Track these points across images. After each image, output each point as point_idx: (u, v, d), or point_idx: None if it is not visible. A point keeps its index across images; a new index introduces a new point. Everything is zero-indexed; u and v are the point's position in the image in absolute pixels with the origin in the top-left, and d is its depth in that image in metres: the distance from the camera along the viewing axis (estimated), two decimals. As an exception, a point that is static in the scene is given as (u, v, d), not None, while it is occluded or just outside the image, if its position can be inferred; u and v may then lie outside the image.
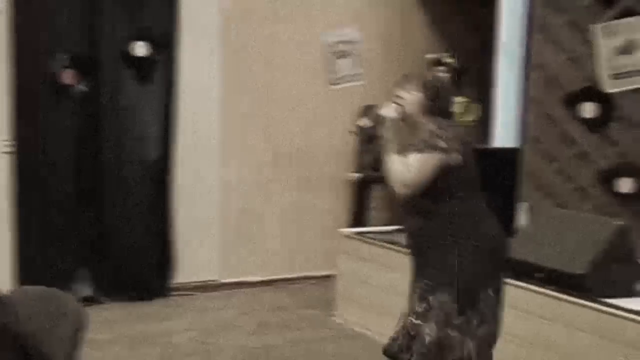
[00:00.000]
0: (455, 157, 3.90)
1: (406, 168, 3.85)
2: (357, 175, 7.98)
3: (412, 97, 4.02)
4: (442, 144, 3.81)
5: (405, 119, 4.11)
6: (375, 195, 8.05)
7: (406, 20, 8.81)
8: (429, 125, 3.88)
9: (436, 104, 4.04)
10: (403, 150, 3.97)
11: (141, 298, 7.42)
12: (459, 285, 3.98)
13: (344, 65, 7.80)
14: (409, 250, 4.32)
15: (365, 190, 7.86)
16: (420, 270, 4.21)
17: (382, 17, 8.57)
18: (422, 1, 8.93)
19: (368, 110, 8.01)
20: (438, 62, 8.22)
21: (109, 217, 7.42)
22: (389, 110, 4.06)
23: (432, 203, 3.95)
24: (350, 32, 7.75)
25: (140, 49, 7.32)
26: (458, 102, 8.13)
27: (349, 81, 7.82)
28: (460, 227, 3.96)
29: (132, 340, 6.42)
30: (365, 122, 8.05)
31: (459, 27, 8.79)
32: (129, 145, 7.39)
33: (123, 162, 7.39)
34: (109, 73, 7.25)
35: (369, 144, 7.78)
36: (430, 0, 9.04)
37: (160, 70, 7.44)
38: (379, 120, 4.16)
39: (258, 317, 7.15)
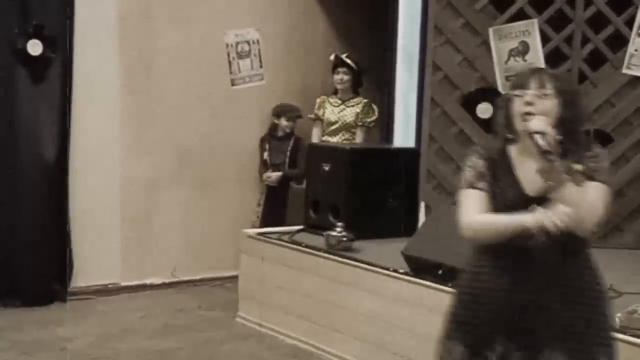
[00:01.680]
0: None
1: (597, 202, 3.05)
2: (275, 175, 7.91)
3: (551, 105, 3.08)
4: (609, 175, 3.15)
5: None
6: (292, 194, 7.99)
7: (307, 21, 8.68)
8: (599, 149, 3.16)
9: (575, 115, 3.14)
10: (570, 174, 3.04)
11: (37, 303, 7.18)
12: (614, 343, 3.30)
13: (244, 66, 7.69)
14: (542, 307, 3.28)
15: (282, 190, 7.82)
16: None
17: (283, 17, 8.44)
18: (323, 3, 8.62)
19: (281, 110, 7.97)
20: (339, 62, 7.91)
21: (1, 219, 7.20)
22: (541, 124, 3.02)
23: (581, 246, 3.18)
24: (250, 32, 7.64)
25: (34, 47, 7.10)
26: (359, 103, 8.09)
27: (249, 81, 7.72)
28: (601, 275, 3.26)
29: (26, 347, 6.25)
30: (279, 121, 8.02)
31: (359, 29, 8.66)
32: (23, 146, 7.22)
33: (17, 162, 7.22)
34: (1, 71, 7.08)
35: (282, 143, 7.73)
36: (331, 2, 8.63)
37: (55, 68, 7.21)
38: (535, 140, 2.99)
39: (160, 320, 7.01)
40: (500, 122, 3.20)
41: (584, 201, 2.93)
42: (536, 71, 3.27)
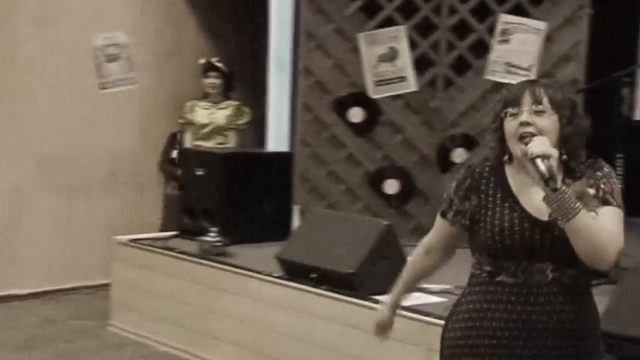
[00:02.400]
0: None
1: (616, 228, 2.67)
2: (176, 192, 7.83)
3: (550, 123, 2.69)
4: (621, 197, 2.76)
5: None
6: (168, 199, 8.04)
7: (178, 26, 8.60)
8: (610, 170, 2.78)
9: (577, 130, 2.73)
10: (582, 199, 2.66)
11: None
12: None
13: (113, 69, 7.48)
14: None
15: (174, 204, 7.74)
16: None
17: (153, 21, 8.35)
18: (194, 8, 8.58)
19: (173, 140, 8.06)
20: (209, 67, 7.92)
21: None
22: (543, 146, 2.61)
23: (587, 279, 2.81)
24: (119, 36, 7.45)
25: None
26: (230, 106, 8.08)
27: (119, 85, 7.51)
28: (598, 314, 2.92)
29: None
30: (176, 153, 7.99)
31: (231, 34, 8.67)
32: None
33: None
34: None
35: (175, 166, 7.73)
36: (202, 6, 8.62)
37: None
38: (537, 166, 2.60)
39: (26, 332, 6.83)
40: (493, 145, 2.79)
41: (602, 230, 2.59)
42: (528, 84, 2.83)
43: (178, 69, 8.52)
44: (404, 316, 4.94)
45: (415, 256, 3.19)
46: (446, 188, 2.93)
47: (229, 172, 7.05)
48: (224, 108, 7.98)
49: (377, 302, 4.97)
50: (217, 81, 7.94)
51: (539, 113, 2.65)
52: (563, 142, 2.68)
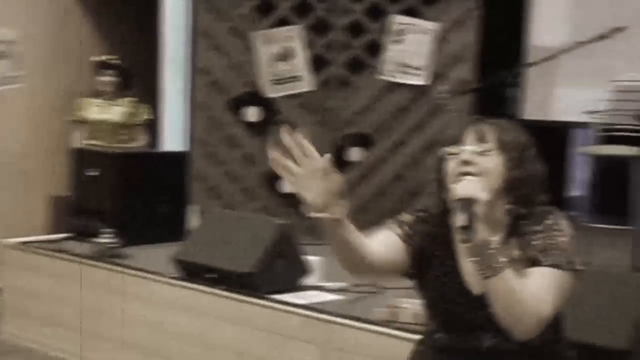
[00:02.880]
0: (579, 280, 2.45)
1: (541, 294, 2.31)
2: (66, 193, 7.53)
3: (493, 164, 2.42)
4: (577, 258, 2.40)
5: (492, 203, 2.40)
6: None
7: (70, 24, 8.28)
8: (559, 220, 2.44)
9: (526, 175, 2.46)
10: (515, 261, 2.38)
11: None
12: None
13: (0, 67, 7.38)
14: None
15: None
16: None
17: (44, 19, 8.12)
18: (87, 6, 8.40)
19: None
20: (104, 65, 7.75)
21: None
22: (472, 188, 2.33)
23: (549, 344, 2.50)
24: (7, 33, 7.32)
25: None
26: (127, 102, 7.94)
27: (6, 83, 7.39)
28: None
29: None
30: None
31: (126, 33, 8.51)
32: None
33: None
34: None
35: None
36: (95, 5, 8.43)
37: None
38: (456, 206, 2.32)
39: None
40: (435, 191, 2.53)
41: (523, 295, 2.27)
42: (474, 122, 2.53)
43: (71, 67, 8.28)
44: (301, 314, 5.08)
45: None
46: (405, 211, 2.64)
47: (123, 172, 6.97)
48: (120, 105, 7.87)
49: (275, 301, 5.10)
50: (112, 79, 7.85)
51: (482, 153, 2.39)
52: (510, 188, 2.41)
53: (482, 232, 2.25)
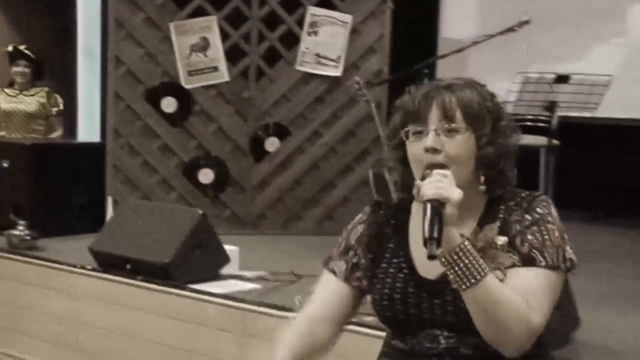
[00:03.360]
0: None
1: (525, 302, 1.95)
2: None
3: (466, 148, 2.02)
4: (570, 251, 2.04)
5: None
6: None
7: None
8: (549, 209, 2.06)
9: (502, 150, 2.06)
10: (492, 259, 2.05)
11: None
12: None
13: None
14: None
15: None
16: None
17: None
18: None
19: None
20: (17, 54, 7.87)
21: None
22: (438, 187, 1.94)
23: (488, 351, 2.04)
24: None
25: None
26: (39, 92, 7.93)
27: None
28: None
29: None
30: None
31: (39, 21, 8.54)
32: None
33: None
34: None
35: None
36: None
37: None
38: (424, 209, 1.95)
39: None
40: (393, 167, 2.19)
41: (511, 304, 1.93)
42: (437, 90, 2.05)
43: None
44: (219, 303, 5.07)
45: (293, 333, 2.29)
46: (342, 231, 2.28)
47: (37, 164, 6.90)
48: (32, 95, 7.87)
49: (193, 290, 5.06)
50: (26, 69, 7.82)
51: (450, 133, 1.98)
52: (481, 167, 2.03)
53: (454, 238, 1.92)
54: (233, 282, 5.24)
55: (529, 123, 6.62)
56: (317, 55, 7.15)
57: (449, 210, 1.90)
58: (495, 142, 2.01)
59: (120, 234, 5.81)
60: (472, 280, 1.89)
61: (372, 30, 7.09)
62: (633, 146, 7.89)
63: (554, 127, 6.43)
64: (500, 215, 2.04)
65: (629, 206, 7.88)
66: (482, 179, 2.03)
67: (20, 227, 6.25)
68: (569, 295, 4.41)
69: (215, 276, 5.20)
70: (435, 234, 1.91)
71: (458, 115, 1.98)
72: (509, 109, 6.51)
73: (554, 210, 2.03)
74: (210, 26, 6.97)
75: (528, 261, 1.96)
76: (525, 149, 6.49)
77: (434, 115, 1.97)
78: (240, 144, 7.32)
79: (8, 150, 7.02)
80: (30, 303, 6.08)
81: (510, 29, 5.84)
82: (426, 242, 1.90)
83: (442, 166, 1.96)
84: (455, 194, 1.91)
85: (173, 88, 7.02)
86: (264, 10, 6.99)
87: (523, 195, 2.06)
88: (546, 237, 1.99)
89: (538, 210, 2.01)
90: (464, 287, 1.90)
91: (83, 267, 5.77)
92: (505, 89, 6.74)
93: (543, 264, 1.96)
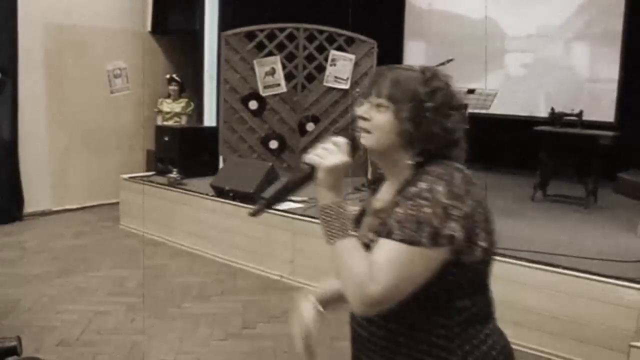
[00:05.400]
0: (469, 248, 1.48)
1: (369, 271, 1.44)
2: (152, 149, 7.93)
3: (386, 121, 1.56)
4: (452, 227, 1.44)
5: (379, 158, 1.64)
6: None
7: (153, 55, 8.64)
8: (433, 186, 1.46)
9: (420, 131, 1.55)
10: (374, 228, 1.58)
11: (4, 222, 7.23)
12: None
13: (118, 82, 7.67)
14: None
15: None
16: None
17: (139, 54, 8.34)
18: (161, 43, 8.79)
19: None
20: (171, 79, 8.22)
21: None
22: (318, 154, 1.54)
23: (419, 315, 1.54)
24: (120, 63, 7.60)
25: None
26: (183, 101, 8.26)
27: (121, 91, 7.66)
28: (463, 348, 1.55)
29: (3, 245, 6.41)
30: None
31: (182, 58, 8.97)
32: None
33: None
34: None
35: None
36: (167, 43, 8.81)
37: (8, 88, 7.31)
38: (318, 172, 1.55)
39: (76, 228, 7.21)
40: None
41: (351, 269, 1.45)
42: (381, 73, 1.62)
43: (154, 81, 8.41)
44: (280, 215, 5.45)
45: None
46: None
47: (183, 138, 7.32)
48: (180, 102, 8.28)
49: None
50: (176, 88, 8.19)
51: (378, 107, 1.57)
52: (407, 143, 1.56)
53: (323, 199, 1.53)
54: (288, 203, 5.46)
55: None
56: (335, 77, 7.31)
57: (319, 174, 1.53)
58: (416, 121, 1.54)
59: (226, 176, 6.18)
60: (331, 240, 1.50)
61: (365, 63, 7.28)
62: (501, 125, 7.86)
63: (466, 117, 6.75)
64: (403, 193, 1.52)
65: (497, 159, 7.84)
66: (411, 153, 1.56)
67: (174, 172, 6.83)
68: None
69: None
70: (271, 197, 1.56)
71: (386, 93, 1.56)
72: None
73: (439, 187, 1.46)
74: (276, 61, 7.18)
75: (387, 232, 1.48)
76: None
77: (374, 91, 1.59)
78: (292, 126, 7.44)
79: (168, 131, 7.54)
80: (180, 213, 6.54)
81: (442, 64, 6.35)
82: (255, 209, 1.57)
83: (366, 132, 1.57)
84: (329, 161, 1.52)
85: (255, 95, 7.24)
86: (306, 52, 7.23)
87: (429, 169, 1.51)
88: (411, 211, 1.45)
89: (420, 184, 1.48)
90: (326, 242, 1.52)
91: (207, 194, 6.24)
92: None
93: (398, 237, 1.44)
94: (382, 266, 1.46)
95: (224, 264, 5.95)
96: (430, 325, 1.57)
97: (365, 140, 1.61)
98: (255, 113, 7.36)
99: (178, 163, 7.09)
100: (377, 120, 1.59)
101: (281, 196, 1.59)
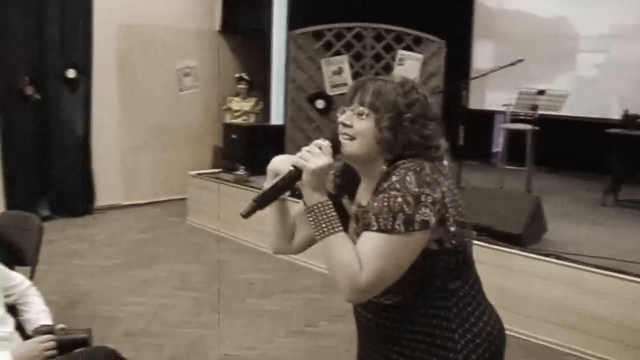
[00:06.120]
0: (449, 234, 1.61)
1: (357, 262, 1.54)
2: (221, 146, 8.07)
3: (367, 128, 1.65)
4: (424, 213, 1.54)
5: (357, 163, 1.72)
6: None
7: (222, 55, 8.69)
8: (403, 177, 1.56)
9: (397, 138, 1.64)
10: (359, 230, 1.68)
11: (76, 215, 7.47)
12: None
13: (187, 81, 8.18)
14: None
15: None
16: None
17: (208, 52, 8.54)
18: (229, 44, 8.89)
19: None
20: (240, 78, 8.33)
21: (56, 168, 7.49)
22: (303, 157, 1.65)
23: (419, 302, 1.68)
24: (190, 62, 8.08)
25: (70, 73, 7.39)
26: (252, 100, 8.32)
27: (190, 89, 8.21)
28: (453, 331, 1.68)
29: (73, 238, 6.66)
30: None
31: (251, 58, 9.00)
32: (67, 127, 7.51)
33: (63, 135, 7.49)
34: (52, 88, 7.35)
35: None
36: (233, 44, 8.91)
37: (83, 85, 7.50)
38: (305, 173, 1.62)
39: (145, 223, 7.33)
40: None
41: (338, 260, 1.55)
42: (362, 82, 1.72)
43: (223, 80, 8.48)
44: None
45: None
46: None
47: (250, 136, 7.48)
48: (249, 101, 8.32)
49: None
50: (244, 87, 8.23)
51: (359, 115, 1.65)
52: (385, 149, 1.65)
53: (310, 199, 1.60)
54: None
55: (522, 116, 6.98)
56: (403, 77, 6.80)
57: (304, 176, 1.61)
58: (395, 129, 1.62)
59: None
60: (320, 235, 1.58)
61: (434, 63, 7.17)
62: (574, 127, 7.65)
63: (535, 119, 6.58)
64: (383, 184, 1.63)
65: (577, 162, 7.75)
66: (385, 159, 1.66)
67: (241, 170, 6.96)
68: (540, 211, 4.87)
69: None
70: (259, 197, 1.64)
71: (367, 102, 1.65)
72: (511, 108, 6.80)
73: (409, 177, 1.56)
74: (343, 61, 7.16)
75: (367, 225, 1.58)
76: (519, 131, 6.84)
77: (356, 99, 1.67)
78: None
79: (236, 128, 7.71)
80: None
81: (512, 64, 6.33)
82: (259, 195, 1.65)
83: (352, 139, 1.65)
84: (313, 164, 1.60)
85: (322, 94, 7.25)
86: (373, 52, 7.16)
87: (399, 164, 1.62)
88: (385, 203, 1.55)
89: (391, 178, 1.58)
90: (317, 240, 1.61)
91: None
92: (509, 98, 6.98)
93: (375, 228, 1.55)
94: (366, 256, 1.57)
95: (287, 262, 6.00)
96: (430, 309, 1.69)
97: (347, 146, 1.69)
98: (322, 112, 7.37)
99: (245, 160, 7.14)
100: (358, 127, 1.68)
101: (270, 197, 1.67)
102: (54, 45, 7.35)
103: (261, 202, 1.65)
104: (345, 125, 1.70)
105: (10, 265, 2.96)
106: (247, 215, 1.65)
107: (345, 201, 1.84)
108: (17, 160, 7.22)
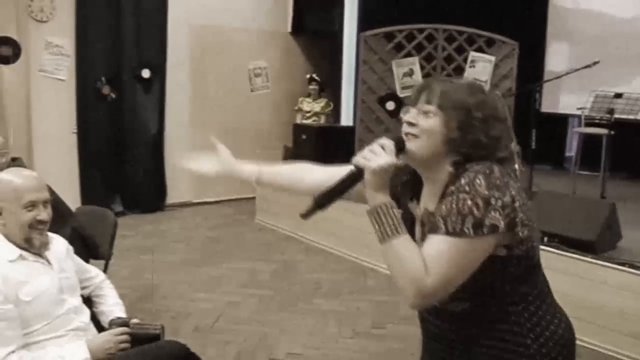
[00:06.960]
0: (517, 239, 1.57)
1: (422, 265, 1.51)
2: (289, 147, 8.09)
3: (434, 126, 1.60)
4: (494, 217, 1.50)
5: (421, 164, 1.67)
6: None
7: (291, 56, 8.90)
8: (473, 180, 1.53)
9: (467, 138, 1.60)
10: (422, 226, 1.71)
11: (148, 211, 7.71)
12: None
13: (258, 81, 8.30)
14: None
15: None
16: None
17: (279, 54, 8.73)
18: (300, 45, 9.00)
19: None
20: (311, 79, 8.40)
21: (130, 166, 7.74)
22: (365, 156, 1.60)
23: (490, 308, 1.64)
24: (261, 62, 8.14)
25: (145, 72, 7.62)
26: (322, 101, 8.38)
27: (261, 90, 8.34)
28: (525, 338, 1.65)
29: (144, 234, 6.88)
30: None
31: (322, 60, 9.06)
32: (141, 126, 7.76)
33: (137, 134, 7.72)
34: (127, 87, 7.59)
35: None
36: (302, 45, 9.02)
37: (157, 85, 7.72)
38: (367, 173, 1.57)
39: (214, 220, 7.55)
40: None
41: (403, 264, 1.51)
42: (430, 83, 1.68)
43: (294, 80, 8.70)
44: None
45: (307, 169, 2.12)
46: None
47: (320, 137, 7.64)
48: (319, 102, 8.41)
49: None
50: (315, 87, 8.32)
51: (425, 114, 1.62)
52: (452, 149, 1.61)
53: (373, 200, 1.57)
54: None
55: (597, 120, 6.82)
56: (474, 79, 6.34)
57: (367, 175, 1.57)
58: (464, 129, 1.59)
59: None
60: (383, 238, 1.55)
61: (506, 65, 7.08)
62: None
63: (612, 123, 6.49)
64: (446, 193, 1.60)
65: None
66: (454, 158, 1.62)
67: None
68: (615, 218, 4.71)
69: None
70: (319, 197, 1.60)
71: (435, 101, 1.61)
72: (586, 112, 6.74)
73: (479, 180, 1.52)
74: (414, 62, 7.12)
75: (435, 228, 1.55)
76: (594, 135, 6.72)
77: (422, 99, 1.64)
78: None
79: (306, 129, 7.87)
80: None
81: (588, 66, 6.17)
82: (314, 201, 1.60)
83: (414, 137, 1.62)
84: (375, 163, 1.56)
85: (393, 96, 7.17)
86: (445, 53, 7.10)
87: (468, 166, 1.58)
88: (454, 205, 1.53)
89: (460, 181, 1.55)
90: (379, 242, 1.57)
91: None
92: (583, 101, 6.89)
93: (443, 231, 1.52)
94: (433, 259, 1.53)
95: (355, 263, 5.98)
96: (501, 314, 1.65)
97: (412, 144, 1.64)
98: (392, 114, 7.28)
99: (314, 161, 6.86)
100: (424, 125, 1.64)
101: (331, 198, 1.61)
102: (129, 45, 7.52)
103: (321, 203, 1.61)
104: (410, 123, 1.66)
105: (86, 258, 3.02)
106: (306, 216, 1.62)
107: (411, 204, 1.79)
108: (93, 158, 7.42)
